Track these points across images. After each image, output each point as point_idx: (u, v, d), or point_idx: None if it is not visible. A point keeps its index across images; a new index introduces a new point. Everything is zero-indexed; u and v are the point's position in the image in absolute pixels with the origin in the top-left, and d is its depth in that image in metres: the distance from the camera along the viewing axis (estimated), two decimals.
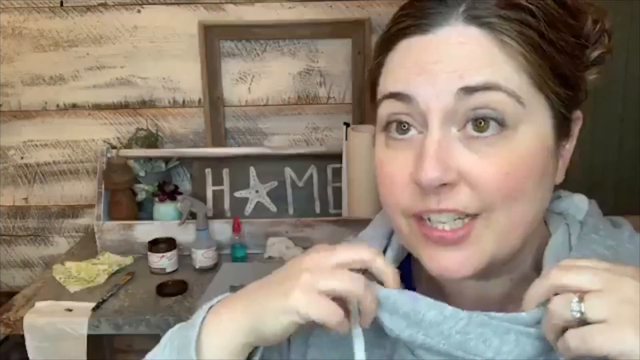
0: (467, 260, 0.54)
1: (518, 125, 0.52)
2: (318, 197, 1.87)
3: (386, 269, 0.55)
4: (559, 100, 0.55)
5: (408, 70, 0.54)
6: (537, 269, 0.60)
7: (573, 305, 0.47)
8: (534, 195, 0.54)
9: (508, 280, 0.60)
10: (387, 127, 0.56)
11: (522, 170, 0.53)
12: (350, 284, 0.52)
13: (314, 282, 0.52)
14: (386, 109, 0.56)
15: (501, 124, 0.52)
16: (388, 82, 0.56)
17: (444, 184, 0.52)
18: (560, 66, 0.54)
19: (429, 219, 0.54)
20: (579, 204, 0.65)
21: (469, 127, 0.53)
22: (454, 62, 0.52)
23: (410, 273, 0.66)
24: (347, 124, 1.75)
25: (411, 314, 0.54)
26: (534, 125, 0.53)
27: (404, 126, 0.55)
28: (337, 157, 1.78)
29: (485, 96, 0.52)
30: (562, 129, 0.56)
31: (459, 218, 0.53)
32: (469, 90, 0.51)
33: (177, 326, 0.61)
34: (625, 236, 0.62)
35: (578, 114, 0.58)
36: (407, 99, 0.53)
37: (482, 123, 0.52)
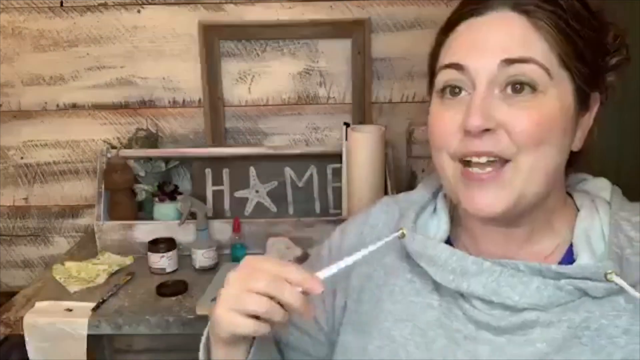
0: (497, 199, 0.67)
1: (547, 90, 0.66)
2: (318, 197, 1.87)
3: (296, 297, 0.67)
4: (579, 75, 0.68)
5: (463, 46, 0.69)
6: (553, 227, 0.74)
7: None
8: (556, 148, 0.68)
9: (530, 229, 0.73)
10: (443, 91, 0.70)
11: (549, 123, 0.66)
12: (262, 309, 0.66)
13: (232, 305, 0.67)
14: (443, 76, 0.70)
15: (534, 88, 0.66)
16: (447, 55, 0.70)
17: (486, 130, 0.66)
18: (581, 49, 0.68)
19: (470, 163, 0.68)
20: (601, 185, 0.79)
21: (509, 89, 0.66)
22: (500, 39, 0.67)
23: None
24: (347, 124, 1.75)
25: (457, 269, 0.70)
26: (559, 91, 0.67)
27: (456, 90, 0.69)
28: (337, 157, 1.78)
29: (521, 67, 0.66)
30: (582, 102, 0.70)
31: (494, 161, 0.67)
32: (509, 61, 0.66)
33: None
34: None
35: (597, 95, 0.72)
36: (461, 68, 0.68)
37: (519, 87, 0.66)
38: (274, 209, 1.86)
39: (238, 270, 0.69)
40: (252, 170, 1.87)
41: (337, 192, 1.84)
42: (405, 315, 0.76)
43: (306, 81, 1.93)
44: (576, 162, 0.75)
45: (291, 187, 1.87)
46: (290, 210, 1.87)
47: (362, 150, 1.67)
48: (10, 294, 1.60)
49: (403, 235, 0.75)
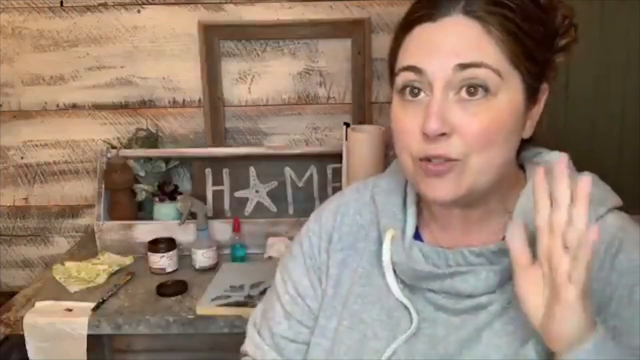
0: (452, 189, 0.74)
1: (498, 93, 0.72)
2: (318, 197, 1.87)
3: None
4: (529, 74, 0.74)
5: (420, 50, 0.73)
6: (505, 205, 0.80)
7: None
8: (504, 145, 0.74)
9: (485, 210, 0.80)
10: (402, 90, 0.75)
11: (497, 125, 0.72)
12: None
13: None
14: (402, 77, 0.75)
15: (486, 90, 0.71)
16: (405, 58, 0.75)
17: (442, 134, 0.71)
18: (531, 50, 0.73)
19: (428, 160, 0.74)
20: (554, 158, 0.81)
21: (463, 92, 0.72)
22: (454, 44, 0.72)
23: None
24: (347, 124, 1.74)
25: (421, 274, 0.79)
26: (509, 92, 0.73)
27: (415, 91, 0.74)
28: (337, 157, 1.78)
29: (474, 71, 0.71)
30: (531, 97, 0.76)
31: (447, 161, 0.73)
32: (463, 66, 0.71)
33: None
34: None
35: (545, 86, 0.77)
36: (418, 71, 0.73)
37: (473, 90, 0.71)
38: (274, 209, 1.86)
39: None
40: (252, 170, 1.87)
41: (337, 192, 1.83)
42: (373, 297, 0.83)
43: (306, 81, 1.93)
44: (527, 148, 0.82)
45: (291, 187, 1.87)
46: (290, 210, 1.87)
47: (362, 150, 1.66)
48: (10, 294, 1.60)
49: (392, 237, 0.82)
